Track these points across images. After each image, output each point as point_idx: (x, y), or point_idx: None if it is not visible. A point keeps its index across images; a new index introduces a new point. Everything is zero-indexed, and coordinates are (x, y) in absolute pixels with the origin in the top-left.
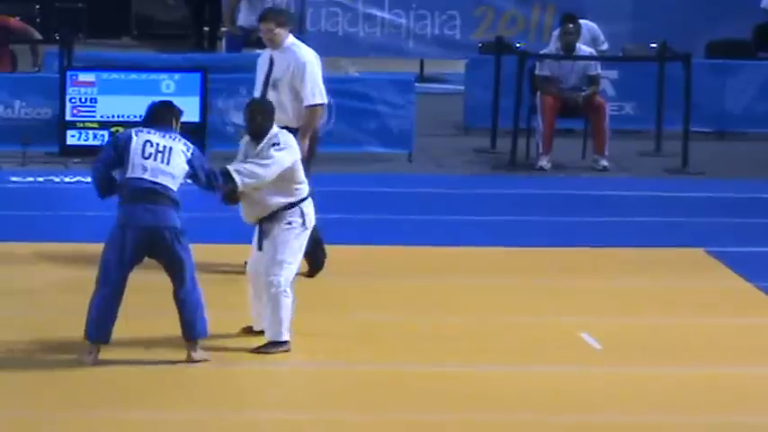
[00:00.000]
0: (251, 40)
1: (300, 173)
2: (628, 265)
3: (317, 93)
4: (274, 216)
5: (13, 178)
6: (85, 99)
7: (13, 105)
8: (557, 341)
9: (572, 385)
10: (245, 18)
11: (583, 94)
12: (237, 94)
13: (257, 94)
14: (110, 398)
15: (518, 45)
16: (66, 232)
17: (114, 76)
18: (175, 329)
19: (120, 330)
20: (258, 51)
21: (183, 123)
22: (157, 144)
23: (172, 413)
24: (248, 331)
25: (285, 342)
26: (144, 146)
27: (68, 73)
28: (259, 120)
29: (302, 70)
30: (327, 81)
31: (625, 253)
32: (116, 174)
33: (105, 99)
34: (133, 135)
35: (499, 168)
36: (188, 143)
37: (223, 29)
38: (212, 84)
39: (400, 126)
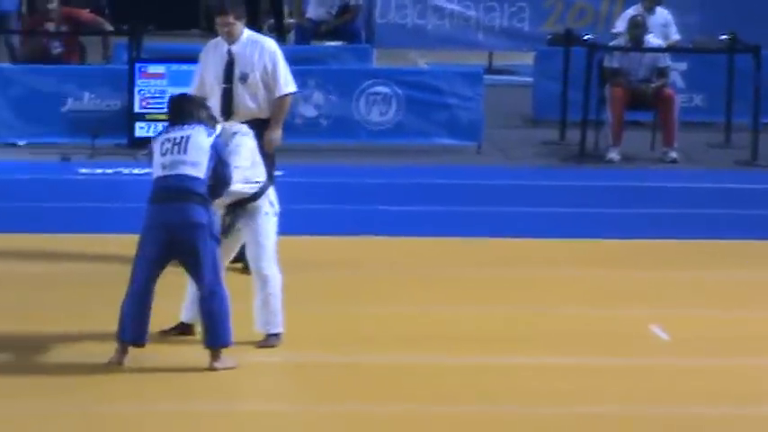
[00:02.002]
0: (320, 31)
1: None
2: (698, 257)
3: (289, 81)
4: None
5: (82, 170)
6: (154, 91)
7: (82, 97)
8: (625, 333)
9: (641, 377)
10: (313, 10)
11: (652, 85)
12: (306, 86)
13: (211, 89)
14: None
15: (587, 37)
16: (134, 224)
17: (183, 68)
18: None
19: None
20: (329, 43)
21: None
22: (174, 138)
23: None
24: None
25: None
26: (161, 145)
27: (137, 65)
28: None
29: (274, 61)
30: (397, 73)
31: (695, 245)
32: None
33: (174, 91)
34: (153, 141)
35: (568, 160)
36: (210, 131)
37: (291, 21)
38: None
39: (469, 118)
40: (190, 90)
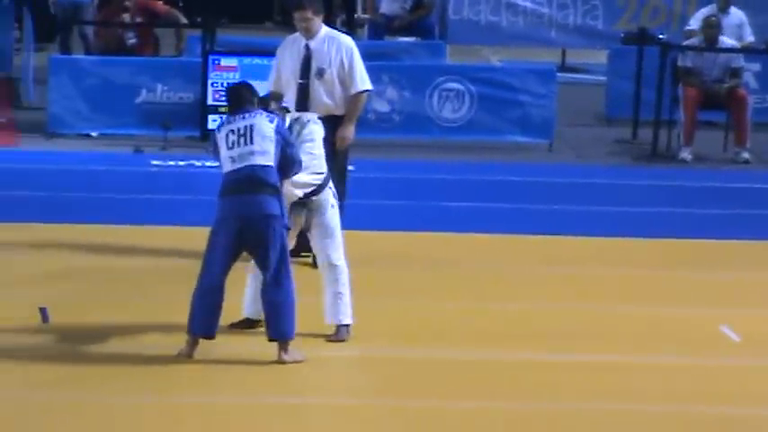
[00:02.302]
0: (393, 27)
1: None
2: None
3: (365, 79)
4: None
5: (154, 162)
6: (227, 84)
7: (155, 89)
8: (696, 333)
9: (712, 377)
10: (387, 5)
11: (725, 86)
12: (380, 81)
13: (287, 84)
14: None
15: (660, 36)
16: (205, 216)
17: (256, 61)
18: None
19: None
20: (403, 39)
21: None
22: (238, 129)
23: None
24: (242, 326)
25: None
26: (227, 137)
27: (211, 57)
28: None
29: (350, 57)
30: (470, 69)
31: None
32: None
33: None
34: (216, 133)
35: (640, 159)
36: (270, 115)
37: (365, 16)
38: None
39: (541, 115)
40: (267, 84)
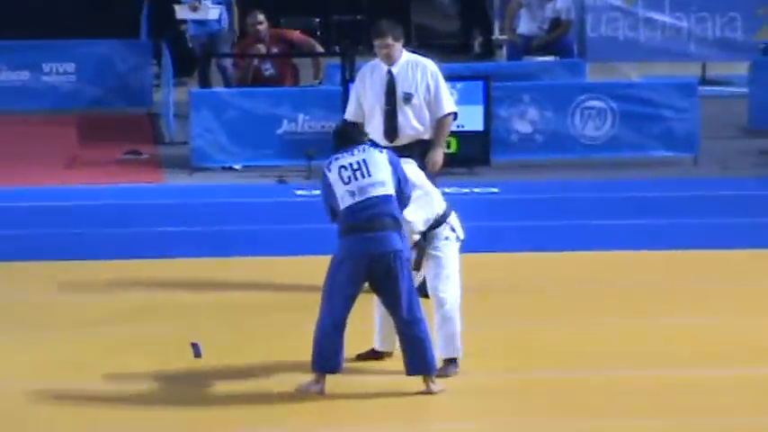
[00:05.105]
0: (531, 47)
1: None
2: None
3: (451, 101)
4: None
5: (299, 192)
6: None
7: (296, 119)
8: None
9: None
10: (525, 25)
11: None
12: (520, 102)
13: (371, 112)
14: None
15: None
16: None
17: None
18: None
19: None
20: (542, 58)
21: (466, 132)
22: (350, 164)
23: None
24: (368, 356)
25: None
26: (340, 173)
27: (350, 85)
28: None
29: (436, 81)
30: (611, 86)
31: None
32: None
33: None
34: (327, 172)
35: None
36: (379, 147)
37: (503, 37)
38: (495, 92)
39: (685, 129)
40: (345, 115)
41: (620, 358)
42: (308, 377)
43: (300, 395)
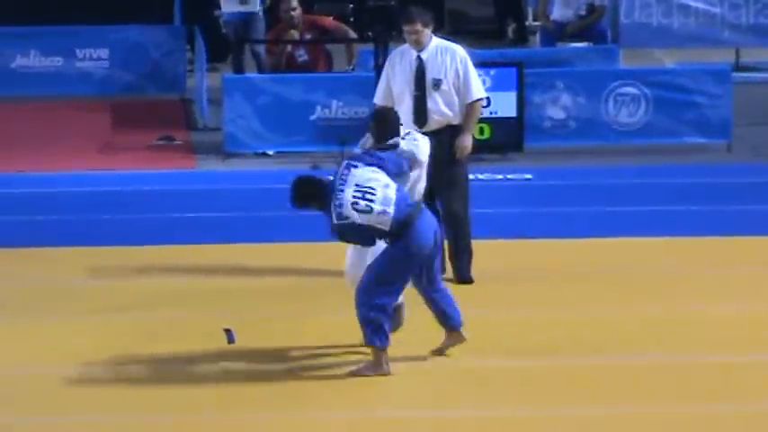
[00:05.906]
0: (565, 33)
1: None
2: None
3: (480, 87)
4: None
5: (331, 177)
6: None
7: (330, 105)
8: None
9: None
10: (559, 11)
11: None
12: (554, 88)
13: (400, 97)
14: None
15: None
16: None
17: None
18: None
19: None
20: (577, 45)
21: (499, 119)
22: (355, 196)
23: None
24: None
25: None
26: (357, 209)
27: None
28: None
29: (465, 66)
30: (645, 73)
31: None
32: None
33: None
34: (354, 218)
35: None
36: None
37: (536, 23)
38: (528, 78)
39: (718, 116)
40: (375, 99)
41: (651, 343)
42: (342, 360)
43: (327, 378)
